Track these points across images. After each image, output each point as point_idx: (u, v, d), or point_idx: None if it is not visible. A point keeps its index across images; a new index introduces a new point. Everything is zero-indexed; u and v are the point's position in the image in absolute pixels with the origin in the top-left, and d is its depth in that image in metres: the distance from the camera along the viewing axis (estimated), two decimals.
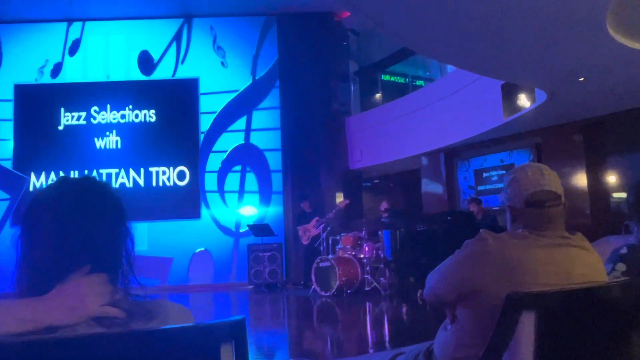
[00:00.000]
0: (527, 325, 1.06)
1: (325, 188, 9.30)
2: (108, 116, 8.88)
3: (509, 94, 6.32)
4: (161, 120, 9.00)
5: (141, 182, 8.83)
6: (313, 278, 6.93)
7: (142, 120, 8.97)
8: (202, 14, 9.14)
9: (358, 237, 7.04)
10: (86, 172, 8.58)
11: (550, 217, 1.26)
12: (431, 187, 8.86)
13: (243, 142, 9.13)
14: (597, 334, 1.09)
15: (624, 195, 6.20)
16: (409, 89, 10.54)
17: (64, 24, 9.03)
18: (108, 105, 8.91)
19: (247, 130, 9.16)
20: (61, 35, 9.01)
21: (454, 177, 8.54)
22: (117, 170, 8.74)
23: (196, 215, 8.77)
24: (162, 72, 9.11)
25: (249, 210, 8.89)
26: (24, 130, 8.72)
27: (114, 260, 0.93)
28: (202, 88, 9.13)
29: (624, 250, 1.49)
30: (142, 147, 8.89)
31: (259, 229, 7.94)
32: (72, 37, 9.02)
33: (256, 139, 9.16)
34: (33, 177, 8.63)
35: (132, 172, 8.85)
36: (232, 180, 8.98)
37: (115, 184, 8.64)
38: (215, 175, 8.97)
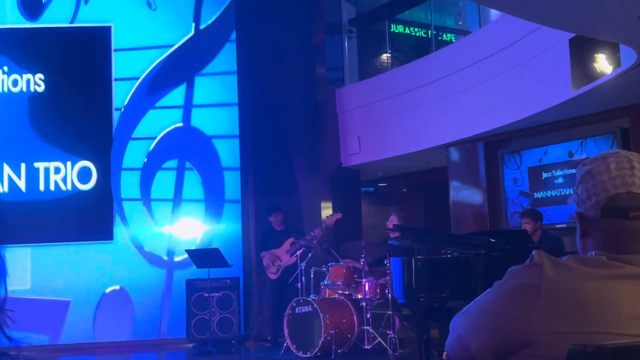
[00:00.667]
0: None
1: (306, 195, 9.46)
2: None
3: (580, 54, 6.31)
4: (53, 90, 8.88)
5: (21, 185, 8.69)
6: (286, 331, 6.95)
7: (24, 89, 8.82)
8: None
9: (354, 269, 7.07)
10: None
11: (637, 233, 1.28)
12: (464, 193, 8.89)
13: (181, 124, 9.14)
14: None
15: None
16: (432, 47, 10.57)
17: None
18: None
19: (187, 107, 9.18)
20: None
21: (499, 179, 8.57)
22: None
23: (107, 236, 8.72)
24: (55, 16, 8.98)
25: (190, 228, 8.89)
26: None
27: None
28: (117, 41, 9.05)
29: None
30: (22, 131, 8.74)
31: (205, 256, 7.90)
32: None
33: (201, 120, 9.20)
34: None
35: (6, 170, 8.67)
36: (164, 182, 9.00)
37: None
38: (137, 174, 8.98)
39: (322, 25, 10.02)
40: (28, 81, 8.82)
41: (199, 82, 9.21)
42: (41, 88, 8.84)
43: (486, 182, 8.63)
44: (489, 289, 1.31)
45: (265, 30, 9.31)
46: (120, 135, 8.97)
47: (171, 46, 9.14)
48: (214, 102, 9.23)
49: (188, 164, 9.07)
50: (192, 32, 9.22)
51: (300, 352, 6.77)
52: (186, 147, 9.08)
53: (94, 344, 8.45)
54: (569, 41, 6.41)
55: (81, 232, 8.64)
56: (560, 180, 7.89)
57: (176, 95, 9.17)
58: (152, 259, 8.82)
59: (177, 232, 8.91)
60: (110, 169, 8.85)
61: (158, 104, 9.12)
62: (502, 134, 8.32)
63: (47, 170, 8.74)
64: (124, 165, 8.95)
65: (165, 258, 8.86)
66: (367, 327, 6.76)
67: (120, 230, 8.79)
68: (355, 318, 6.86)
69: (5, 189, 8.64)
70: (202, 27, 9.27)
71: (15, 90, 8.81)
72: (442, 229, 8.98)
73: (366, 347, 6.74)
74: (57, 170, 8.75)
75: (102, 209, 8.74)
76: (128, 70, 9.05)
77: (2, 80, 8.80)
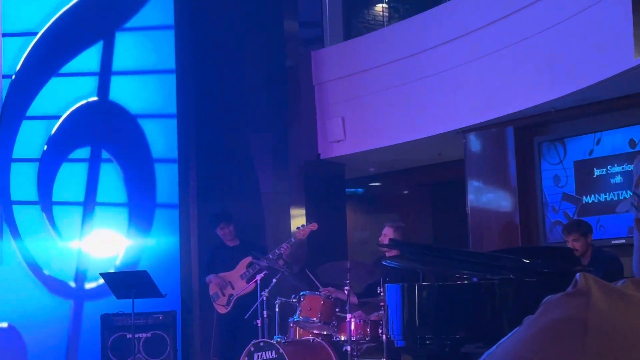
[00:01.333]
0: None
1: (269, 198, 9.49)
2: None
3: None
4: None
5: None
6: None
7: None
8: None
9: (335, 300, 7.06)
10: None
11: None
12: (487, 197, 8.92)
13: (95, 98, 9.08)
14: None
15: None
16: None
17: None
18: None
19: (104, 74, 9.14)
20: None
21: (535, 177, 8.61)
22: None
23: None
24: None
25: (108, 243, 8.82)
26: None
27: None
28: None
29: None
30: None
31: (128, 282, 7.87)
32: None
33: (123, 93, 9.17)
34: None
35: None
36: (71, 179, 8.98)
37: None
38: (33, 168, 8.93)
39: None
40: None
41: (121, 40, 9.18)
42: None
43: (517, 181, 8.64)
44: (518, 327, 1.31)
45: None
46: (10, 114, 8.89)
47: None
48: (142, 68, 9.19)
49: (105, 154, 9.03)
50: None
51: None
52: (102, 130, 9.05)
53: None
54: None
55: None
56: (618, 179, 7.93)
57: (89, 58, 9.12)
58: (54, 285, 8.76)
59: (90, 249, 8.85)
60: None
61: (63, 70, 9.07)
62: (540, 115, 8.34)
63: None
64: (15, 155, 8.89)
65: (73, 284, 8.81)
66: None
67: (8, 246, 8.72)
68: None
69: None
70: None
71: None
72: (457, 246, 8.98)
73: None
74: None
75: None
76: (21, 22, 8.97)
77: None
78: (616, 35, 6.77)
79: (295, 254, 8.09)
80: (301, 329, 7.17)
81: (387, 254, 7.35)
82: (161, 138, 9.12)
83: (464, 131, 8.92)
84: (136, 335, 7.96)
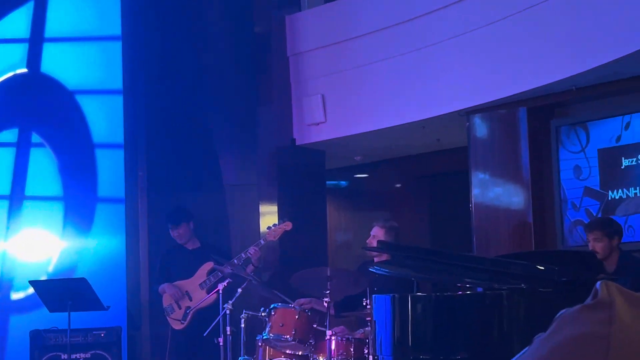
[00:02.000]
0: None
1: (234, 192, 9.51)
2: None
3: None
4: None
5: None
6: None
7: None
8: None
9: (313, 314, 7.07)
10: None
11: None
12: (495, 191, 8.97)
13: (24, 69, 9.06)
14: None
15: None
16: None
17: None
18: None
19: (35, 41, 9.11)
20: None
21: (551, 168, 8.65)
22: None
23: None
24: None
25: (39, 245, 8.82)
26: None
27: None
28: None
29: None
30: None
31: (63, 291, 7.84)
32: None
33: (58, 64, 9.15)
34: None
35: None
36: None
37: None
38: None
39: None
40: None
41: None
42: None
43: (531, 172, 8.68)
44: (527, 347, 1.32)
45: None
46: None
47: None
48: (81, 34, 9.17)
49: (36, 137, 9.01)
50: None
51: None
52: (33, 108, 9.02)
53: None
54: None
55: None
56: None
57: (16, 22, 9.10)
58: None
59: (17, 252, 8.83)
60: None
61: None
62: (558, 94, 8.38)
63: None
64: None
65: None
66: None
67: None
68: None
69: None
70: None
71: None
72: (458, 249, 9.01)
73: None
74: None
75: None
76: None
77: None
78: None
79: (265, 259, 8.08)
80: (272, 349, 7.15)
81: (376, 259, 7.35)
82: (104, 119, 9.11)
83: (468, 113, 8.93)
84: (73, 356, 7.93)
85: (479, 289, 5.65)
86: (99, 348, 8.11)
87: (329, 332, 6.78)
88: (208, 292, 7.80)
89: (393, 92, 9.21)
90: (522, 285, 5.33)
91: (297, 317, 6.97)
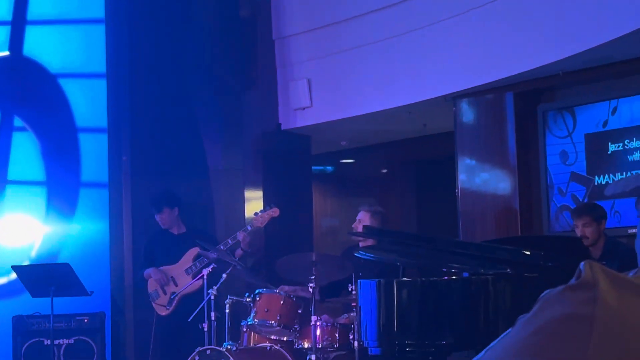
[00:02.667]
0: None
1: (219, 177, 9.55)
2: None
3: None
4: None
5: None
6: None
7: None
8: None
9: (297, 300, 7.09)
10: None
11: None
12: (481, 177, 8.98)
13: (7, 52, 9.09)
14: None
15: None
16: None
17: None
18: None
19: (17, 24, 9.10)
20: None
21: (538, 153, 8.66)
22: None
23: None
24: None
25: (21, 229, 8.83)
26: None
27: None
28: None
29: None
30: None
31: (46, 276, 7.81)
32: None
33: (41, 47, 9.14)
34: None
35: None
36: None
37: None
38: None
39: None
40: None
41: None
42: None
43: (517, 158, 8.70)
44: (511, 328, 1.31)
45: None
46: None
47: None
48: (64, 16, 9.13)
49: (18, 121, 8.98)
50: None
51: None
52: (15, 92, 8.99)
53: None
54: None
55: None
56: (637, 155, 8.01)
57: None
58: None
59: None
60: None
61: None
62: (545, 79, 8.38)
63: None
64: None
65: None
66: None
67: None
68: None
69: None
70: None
71: None
72: (444, 234, 9.02)
73: None
74: None
75: None
76: None
77: None
78: None
79: (252, 245, 8.08)
80: (256, 334, 7.17)
81: (361, 244, 7.36)
82: (87, 102, 9.08)
83: (454, 97, 8.94)
84: (56, 342, 7.92)
85: (465, 274, 5.68)
86: (82, 334, 8.11)
87: (313, 318, 6.79)
88: (194, 278, 7.79)
89: (379, 77, 9.20)
90: (508, 270, 5.36)
91: (282, 302, 6.98)
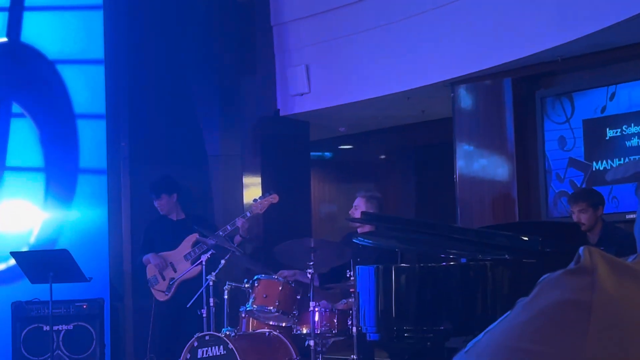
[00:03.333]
0: None
1: (218, 163, 9.54)
2: None
3: None
4: None
5: None
6: None
7: None
8: None
9: (296, 285, 7.10)
10: None
11: None
12: (479, 163, 8.98)
13: (5, 39, 9.06)
14: None
15: None
16: None
17: None
18: None
19: (15, 10, 9.08)
20: None
21: (536, 139, 8.66)
22: None
23: None
24: None
25: (20, 216, 8.84)
26: None
27: None
28: None
29: None
30: None
31: (45, 262, 7.82)
32: None
33: (39, 33, 9.11)
34: None
35: None
36: None
37: None
38: None
39: None
40: None
41: None
42: None
43: (515, 144, 8.69)
44: (510, 311, 1.31)
45: None
46: None
47: None
48: (61, 2, 9.13)
49: (16, 108, 8.96)
50: None
51: None
52: (13, 78, 8.97)
53: None
54: None
55: None
56: (635, 141, 8.01)
57: None
58: None
59: None
60: None
61: None
62: (543, 64, 8.38)
63: None
64: None
65: None
66: None
67: None
68: None
69: None
70: None
71: None
72: (442, 220, 9.02)
73: None
74: None
75: None
76: None
77: None
78: None
79: (250, 231, 8.08)
80: (255, 320, 7.18)
81: (359, 230, 7.36)
82: (85, 89, 9.05)
83: (453, 83, 8.93)
84: (55, 328, 7.92)
85: (463, 260, 5.68)
86: (81, 320, 8.11)
87: (312, 304, 6.79)
88: (192, 264, 7.80)
89: (378, 63, 9.19)
90: (506, 256, 5.36)
91: (280, 288, 6.99)
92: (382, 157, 11.80)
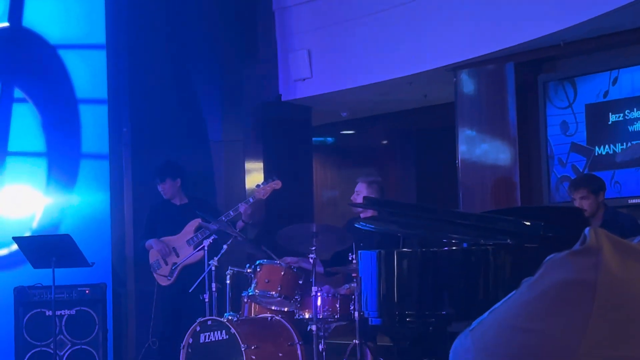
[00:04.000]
0: None
1: (219, 148, 9.51)
2: None
3: None
4: None
5: None
6: None
7: None
8: None
9: (298, 271, 7.10)
10: None
11: None
12: (481, 148, 8.97)
13: (6, 23, 9.05)
14: None
15: None
16: None
17: None
18: None
19: None
20: None
21: (539, 124, 8.66)
22: None
23: None
24: None
25: (22, 201, 8.85)
26: None
27: None
28: None
29: None
30: None
31: (47, 248, 7.83)
32: None
33: (41, 17, 9.11)
34: None
35: None
36: None
37: None
38: None
39: None
40: None
41: None
42: None
43: (518, 128, 8.69)
44: (515, 290, 1.30)
45: None
46: None
47: None
48: None
49: (18, 92, 8.96)
50: None
51: None
52: (15, 63, 8.96)
53: None
54: None
55: None
56: (638, 125, 8.01)
57: None
58: None
59: (0, 208, 8.79)
60: None
61: None
62: (546, 49, 8.37)
63: None
64: None
65: None
66: None
67: None
68: (299, 351, 6.86)
69: None
70: None
71: None
72: (444, 205, 9.03)
73: None
74: None
75: None
76: None
77: None
78: None
79: (253, 216, 8.08)
80: (257, 305, 7.19)
81: (362, 215, 7.36)
82: (87, 73, 9.03)
83: (455, 68, 8.93)
84: (57, 313, 7.94)
85: (465, 245, 5.67)
86: (84, 304, 8.12)
87: (314, 289, 6.80)
88: (195, 249, 7.82)
89: (380, 48, 9.18)
90: (508, 240, 5.36)
91: (282, 273, 6.99)
92: (384, 142, 11.79)
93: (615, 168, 8.03)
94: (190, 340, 6.91)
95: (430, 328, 5.36)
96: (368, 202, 7.10)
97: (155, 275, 8.06)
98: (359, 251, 6.12)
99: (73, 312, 8.06)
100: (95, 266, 7.97)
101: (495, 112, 8.86)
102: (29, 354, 7.97)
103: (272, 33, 9.92)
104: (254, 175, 9.31)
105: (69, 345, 8.02)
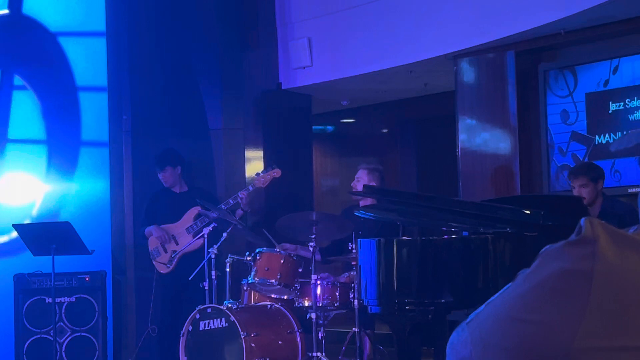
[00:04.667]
0: None
1: (219, 136, 9.51)
2: None
3: None
4: None
5: None
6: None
7: None
8: None
9: (298, 259, 7.12)
10: None
11: None
12: (482, 136, 8.97)
13: (6, 11, 9.05)
14: None
15: None
16: None
17: None
18: None
19: None
20: None
21: (539, 112, 8.65)
22: None
23: None
24: None
25: (22, 188, 8.84)
26: None
27: None
28: None
29: None
30: None
31: (47, 235, 7.85)
32: None
33: (40, 6, 9.10)
34: None
35: None
36: None
37: None
38: None
39: None
40: None
41: None
42: None
43: (518, 117, 8.69)
44: (511, 282, 1.31)
45: None
46: None
47: None
48: None
49: (18, 80, 8.94)
50: None
51: None
52: (14, 50, 8.95)
53: None
54: None
55: None
56: (638, 114, 8.00)
57: None
58: None
59: (0, 195, 8.79)
60: None
61: None
62: (546, 37, 8.36)
63: None
64: None
65: None
66: (319, 354, 6.78)
67: None
68: (299, 339, 6.88)
69: None
70: None
71: None
72: (444, 194, 9.04)
73: None
74: None
75: None
76: None
77: None
78: None
79: (253, 204, 8.09)
80: (257, 293, 7.21)
81: (361, 203, 7.37)
82: (87, 61, 9.00)
83: (455, 57, 8.92)
84: (57, 300, 7.94)
85: (465, 233, 5.69)
86: (83, 292, 8.12)
87: (314, 277, 6.81)
88: (194, 237, 7.83)
89: (380, 36, 9.17)
90: (508, 229, 5.37)
91: (282, 261, 7.00)
92: (385, 130, 11.79)
93: (616, 157, 8.03)
94: (190, 328, 6.92)
95: (430, 316, 5.37)
96: (368, 190, 7.10)
97: (154, 263, 8.08)
98: (359, 239, 6.13)
99: (73, 299, 8.07)
100: (95, 254, 7.99)
101: (496, 100, 8.86)
102: (28, 341, 7.98)
103: (273, 21, 9.91)
104: (254, 164, 9.30)
105: (69, 333, 8.03)
